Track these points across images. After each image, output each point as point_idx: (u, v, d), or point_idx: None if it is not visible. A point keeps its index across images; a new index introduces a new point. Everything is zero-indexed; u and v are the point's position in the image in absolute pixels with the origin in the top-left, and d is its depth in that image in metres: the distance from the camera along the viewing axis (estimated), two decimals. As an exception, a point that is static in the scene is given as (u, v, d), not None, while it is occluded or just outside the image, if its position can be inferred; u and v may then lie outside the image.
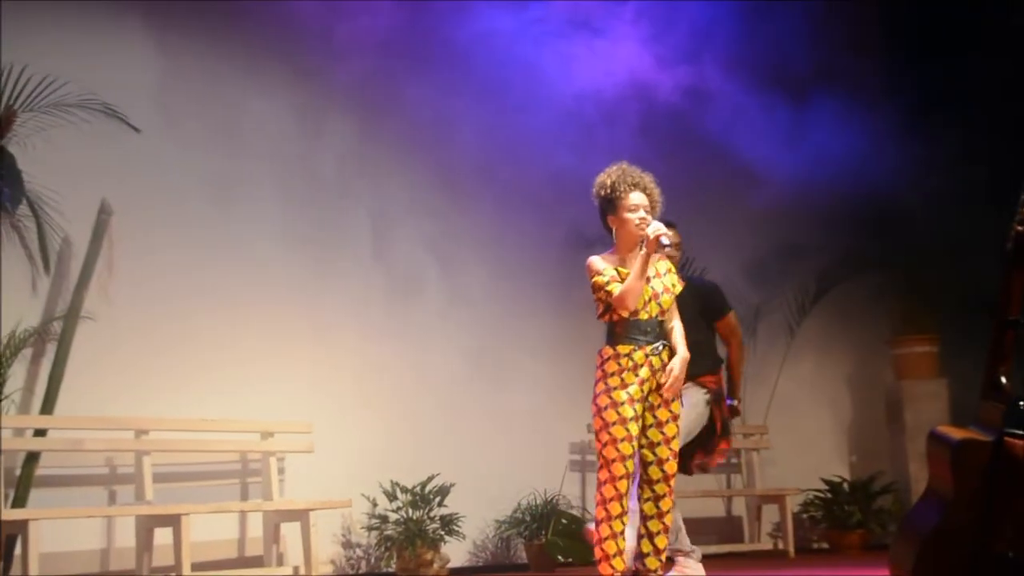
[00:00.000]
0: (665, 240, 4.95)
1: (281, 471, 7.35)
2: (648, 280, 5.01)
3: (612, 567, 4.90)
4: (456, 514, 7.46)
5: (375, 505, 7.44)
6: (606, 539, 4.90)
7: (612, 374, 4.95)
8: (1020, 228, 4.31)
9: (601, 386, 4.98)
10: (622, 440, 4.88)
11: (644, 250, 4.95)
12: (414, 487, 7.42)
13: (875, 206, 8.79)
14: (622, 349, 4.97)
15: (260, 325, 7.45)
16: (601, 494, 4.91)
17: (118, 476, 6.93)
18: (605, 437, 4.91)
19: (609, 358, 4.99)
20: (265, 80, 7.72)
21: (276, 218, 7.68)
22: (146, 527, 6.55)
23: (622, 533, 4.93)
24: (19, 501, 6.39)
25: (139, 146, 7.13)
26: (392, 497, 7.40)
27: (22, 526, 5.99)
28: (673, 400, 5.03)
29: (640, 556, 5.12)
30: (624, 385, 4.92)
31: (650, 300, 5.01)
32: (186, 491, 7.06)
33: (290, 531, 7.08)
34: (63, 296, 6.88)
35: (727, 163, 8.09)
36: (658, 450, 5.02)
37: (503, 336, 8.29)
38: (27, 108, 6.69)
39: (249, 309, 7.43)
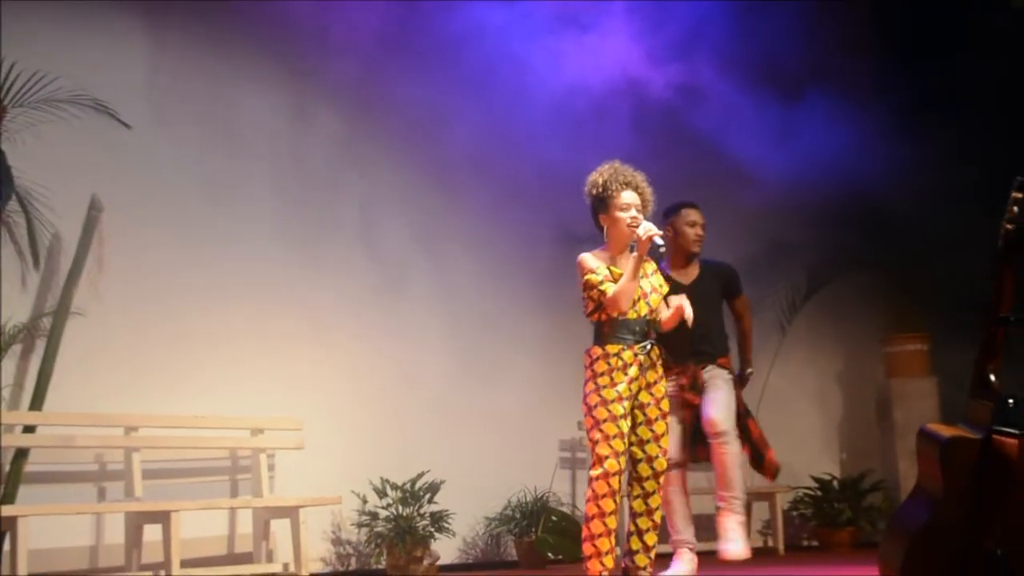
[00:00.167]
0: (659, 241, 4.96)
1: (271, 468, 7.34)
2: (637, 280, 5.02)
3: (603, 564, 4.90)
4: (446, 511, 7.45)
5: (365, 502, 7.43)
6: (599, 535, 4.90)
7: (602, 374, 4.96)
8: (1010, 227, 4.32)
9: (591, 386, 4.99)
10: (614, 437, 4.89)
11: (637, 252, 4.96)
12: (404, 484, 7.41)
13: (867, 205, 8.81)
14: (611, 349, 4.98)
15: (250, 322, 7.43)
16: (593, 490, 4.91)
17: (108, 472, 6.91)
18: (597, 435, 4.92)
19: (598, 358, 4.99)
20: (257, 77, 7.70)
21: (267, 215, 7.66)
22: (135, 524, 6.54)
23: (615, 530, 4.94)
24: (8, 498, 6.36)
25: (130, 142, 7.12)
26: (382, 494, 7.39)
27: (11, 523, 5.96)
28: (663, 393, 5.05)
29: (629, 553, 5.13)
30: (613, 384, 4.93)
31: (639, 300, 5.02)
32: (176, 488, 7.05)
33: (280, 528, 7.07)
34: (53, 292, 6.86)
35: (719, 161, 8.08)
36: (647, 447, 5.04)
37: (493, 333, 8.28)
38: (17, 104, 6.66)
39: (239, 306, 7.42)
